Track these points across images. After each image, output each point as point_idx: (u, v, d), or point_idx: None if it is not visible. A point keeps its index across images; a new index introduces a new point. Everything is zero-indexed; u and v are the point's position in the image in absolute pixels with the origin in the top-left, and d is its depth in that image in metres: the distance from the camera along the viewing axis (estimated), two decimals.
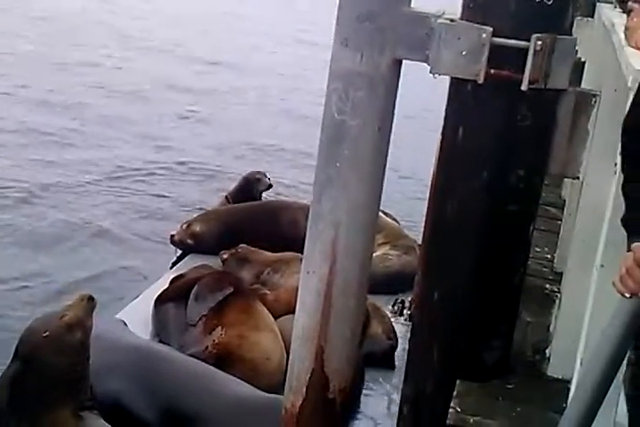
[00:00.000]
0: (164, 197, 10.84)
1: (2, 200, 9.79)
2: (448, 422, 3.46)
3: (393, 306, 7.11)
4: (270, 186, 9.17)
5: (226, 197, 9.26)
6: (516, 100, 3.49)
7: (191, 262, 7.74)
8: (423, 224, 6.24)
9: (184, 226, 8.34)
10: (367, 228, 3.15)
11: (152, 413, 4.85)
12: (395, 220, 8.65)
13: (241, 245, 7.52)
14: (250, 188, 9.10)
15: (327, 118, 3.37)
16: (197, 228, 8.34)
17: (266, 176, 9.19)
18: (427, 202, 6.22)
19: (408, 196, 10.79)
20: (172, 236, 8.35)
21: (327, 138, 3.28)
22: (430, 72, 3.42)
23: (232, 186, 9.39)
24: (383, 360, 6.10)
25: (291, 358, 3.11)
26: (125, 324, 6.02)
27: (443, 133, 3.73)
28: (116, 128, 12.99)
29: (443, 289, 3.74)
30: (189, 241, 8.28)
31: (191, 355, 5.46)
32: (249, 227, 8.14)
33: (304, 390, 3.09)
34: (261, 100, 15.89)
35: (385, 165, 3.25)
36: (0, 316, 7.29)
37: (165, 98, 15.08)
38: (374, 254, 7.75)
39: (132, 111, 13.92)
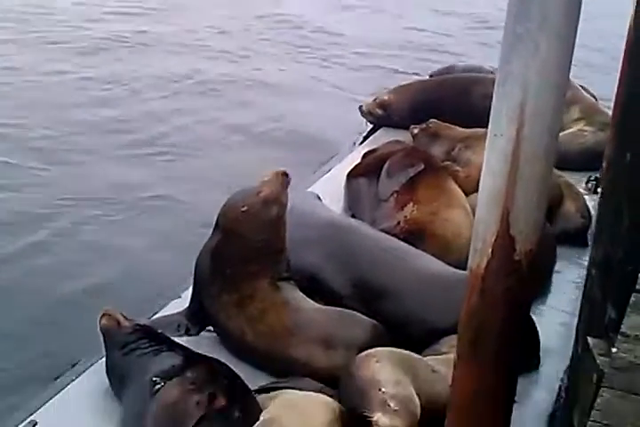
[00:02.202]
0: None
1: None
2: (638, 286, 3.38)
3: (586, 183, 6.99)
4: None
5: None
6: None
7: (382, 137, 7.80)
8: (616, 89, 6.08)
9: (373, 97, 8.39)
10: (558, 89, 3.01)
11: (345, 285, 5.00)
12: (592, 95, 8.39)
13: (431, 120, 7.47)
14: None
15: None
16: (386, 97, 8.37)
17: None
18: (620, 68, 6.01)
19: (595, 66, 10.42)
20: (361, 106, 8.40)
21: None
22: None
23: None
24: (576, 238, 6.05)
25: (476, 220, 3.09)
26: (319, 197, 6.17)
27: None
28: None
29: (635, 150, 3.59)
30: (378, 110, 8.32)
31: (383, 230, 5.56)
32: (440, 100, 8.09)
33: (489, 251, 3.03)
34: None
35: (577, 25, 3.09)
36: None
37: None
38: (569, 131, 7.70)
39: None
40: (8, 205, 7.71)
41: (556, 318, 5.38)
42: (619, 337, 3.11)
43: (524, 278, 3.06)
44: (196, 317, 4.95)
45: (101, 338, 4.50)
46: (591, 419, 2.70)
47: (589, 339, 3.81)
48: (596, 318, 3.91)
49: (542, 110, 2.93)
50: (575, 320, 4.46)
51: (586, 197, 6.49)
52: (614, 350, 3.05)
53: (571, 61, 3.01)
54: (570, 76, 8.48)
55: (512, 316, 3.12)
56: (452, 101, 7.99)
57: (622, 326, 3.16)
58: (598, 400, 2.79)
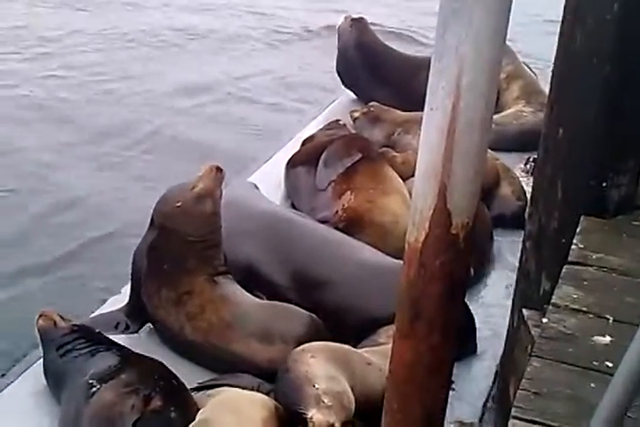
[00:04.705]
0: None
1: None
2: (570, 258, 3.47)
3: (525, 164, 7.04)
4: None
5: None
6: None
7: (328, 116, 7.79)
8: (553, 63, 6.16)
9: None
10: (493, 62, 3.03)
11: (283, 277, 5.02)
12: (534, 73, 8.43)
13: (373, 102, 7.51)
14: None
15: None
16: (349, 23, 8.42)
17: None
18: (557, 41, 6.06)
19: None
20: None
21: None
22: None
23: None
24: (512, 221, 6.10)
25: (414, 194, 3.11)
26: (257, 187, 6.16)
27: None
28: None
29: (568, 125, 3.70)
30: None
31: (321, 219, 5.59)
32: (390, 78, 8.12)
33: (427, 225, 3.05)
34: None
35: None
36: None
37: None
38: (508, 111, 7.74)
39: None
40: None
41: (494, 301, 5.44)
42: (550, 308, 3.19)
43: (461, 252, 3.10)
44: (135, 314, 4.94)
45: (39, 339, 4.50)
46: (521, 388, 2.77)
47: (524, 311, 3.92)
48: (531, 290, 4.03)
49: (477, 83, 2.93)
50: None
51: (523, 179, 6.54)
52: (545, 320, 3.12)
53: (505, 34, 3.02)
54: (515, 52, 8.51)
55: (450, 290, 3.15)
56: (401, 82, 8.00)
57: (553, 297, 3.25)
58: (528, 369, 2.86)
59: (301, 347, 4.16)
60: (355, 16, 8.48)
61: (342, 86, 8.64)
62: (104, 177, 7.82)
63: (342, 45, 8.41)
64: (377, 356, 4.22)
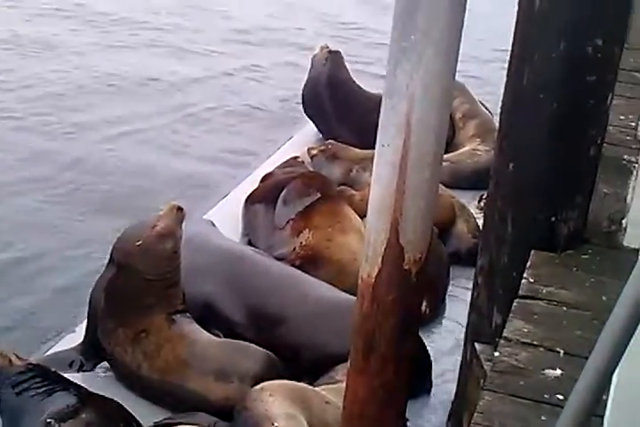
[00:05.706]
0: None
1: None
2: (520, 292, 3.51)
3: (479, 202, 7.09)
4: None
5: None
6: None
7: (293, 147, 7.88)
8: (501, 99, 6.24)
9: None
10: (443, 99, 3.09)
11: (239, 314, 5.03)
12: (489, 111, 8.50)
13: (330, 140, 7.55)
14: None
15: None
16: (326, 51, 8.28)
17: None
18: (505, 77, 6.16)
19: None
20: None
21: (401, 9, 3.13)
22: None
23: None
24: (468, 258, 6.13)
25: (367, 229, 3.14)
26: (214, 224, 6.17)
27: (519, 2, 3.68)
28: None
29: (518, 160, 3.76)
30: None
31: (279, 256, 5.62)
32: (354, 116, 8.12)
33: (379, 260, 3.10)
34: None
35: (459, 36, 3.15)
36: None
37: None
38: (463, 149, 7.83)
39: None
40: None
41: (450, 337, 5.47)
42: (501, 341, 3.23)
43: (413, 287, 3.15)
44: (91, 352, 4.93)
45: None
46: (473, 422, 2.79)
47: (477, 345, 3.96)
48: (483, 324, 4.06)
49: (428, 119, 3.01)
50: None
51: (478, 216, 6.59)
52: (496, 353, 3.16)
53: (455, 71, 3.10)
54: (470, 91, 8.50)
55: (403, 324, 3.20)
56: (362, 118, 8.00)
57: (505, 331, 3.29)
58: (480, 403, 2.88)
59: (260, 385, 4.17)
60: (332, 48, 8.35)
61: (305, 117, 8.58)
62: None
63: (313, 76, 8.29)
64: (334, 394, 4.23)
